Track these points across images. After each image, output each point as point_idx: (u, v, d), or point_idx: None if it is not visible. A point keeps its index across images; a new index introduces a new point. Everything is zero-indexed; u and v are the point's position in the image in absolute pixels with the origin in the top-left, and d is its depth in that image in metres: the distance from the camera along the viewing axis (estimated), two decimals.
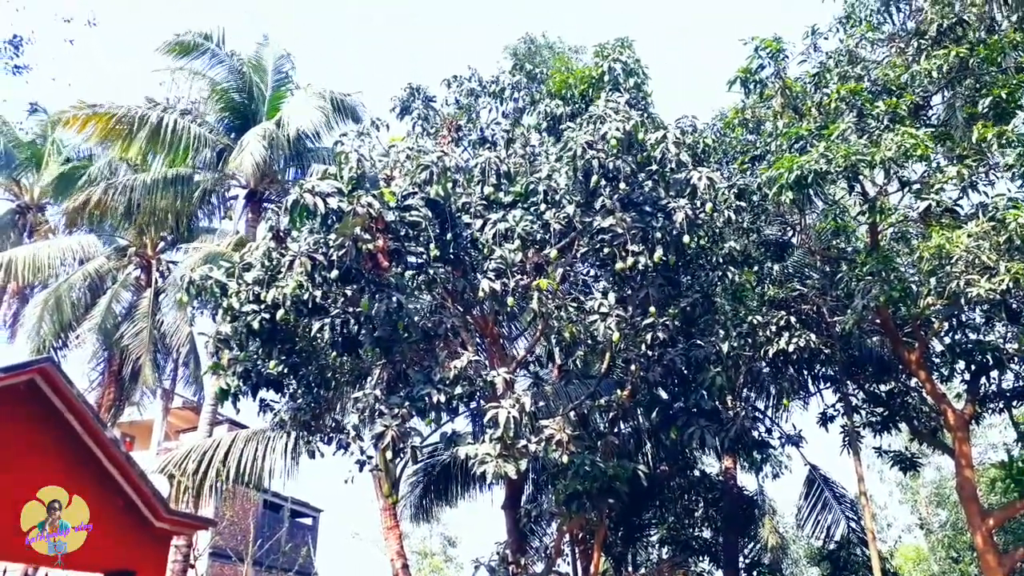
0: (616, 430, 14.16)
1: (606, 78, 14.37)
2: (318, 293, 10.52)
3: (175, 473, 14.84)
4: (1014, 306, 13.55)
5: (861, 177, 13.52)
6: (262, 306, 10.83)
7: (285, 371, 11.93)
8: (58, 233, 22.57)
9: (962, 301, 12.08)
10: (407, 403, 10.14)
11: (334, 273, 10.29)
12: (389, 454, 9.76)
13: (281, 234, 11.52)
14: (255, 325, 10.84)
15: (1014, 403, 15.56)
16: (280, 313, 10.51)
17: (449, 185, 11.09)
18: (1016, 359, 14.69)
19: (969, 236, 11.79)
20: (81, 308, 20.78)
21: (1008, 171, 12.29)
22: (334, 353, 11.60)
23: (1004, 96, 12.44)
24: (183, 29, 19.59)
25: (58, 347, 20.60)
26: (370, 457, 12.71)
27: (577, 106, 14.38)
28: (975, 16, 13.42)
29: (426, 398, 10.10)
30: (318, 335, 11.07)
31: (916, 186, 14.02)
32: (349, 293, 10.94)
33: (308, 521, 31.54)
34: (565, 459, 10.05)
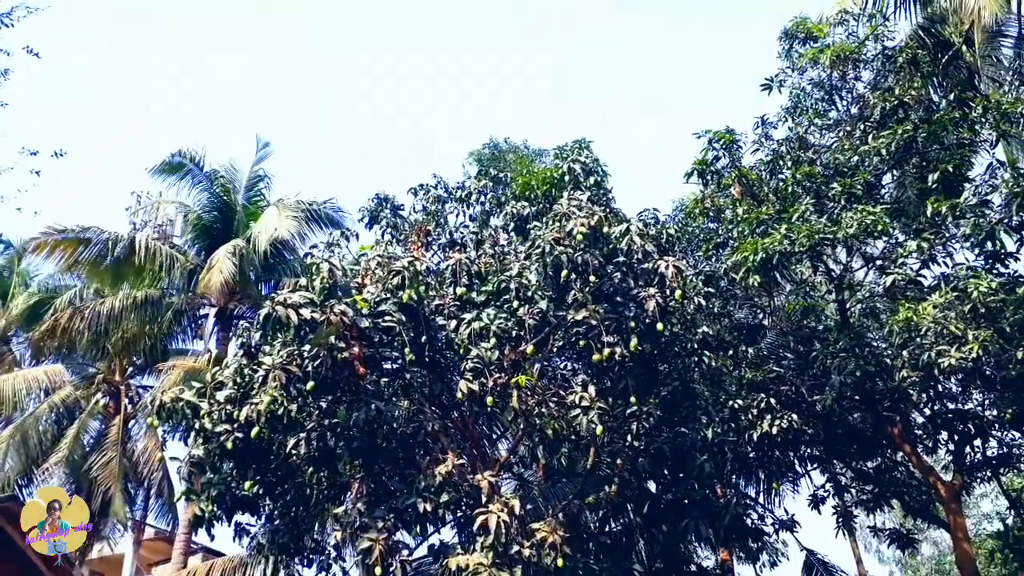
0: (607, 528, 13.77)
1: (567, 178, 14.74)
2: (293, 407, 10.29)
3: None
4: (988, 373, 13.70)
5: (825, 256, 13.86)
6: (235, 425, 10.55)
7: (260, 491, 11.53)
8: (24, 364, 22.08)
9: (936, 371, 12.22)
10: (391, 515, 9.80)
11: (310, 384, 10.12)
12: (378, 570, 9.33)
13: (253, 350, 11.39)
14: (229, 445, 10.52)
15: (1001, 470, 15.49)
16: (255, 430, 10.24)
17: (421, 288, 11.11)
18: (997, 426, 14.72)
19: (935, 307, 12.04)
20: (48, 441, 20.12)
21: (966, 241, 12.66)
22: (311, 469, 11.26)
23: (951, 170, 12.95)
24: (167, 151, 19.97)
25: (23, 484, 19.80)
26: None
27: (542, 205, 14.65)
28: (913, 98, 14.12)
29: (411, 508, 9.78)
30: (293, 451, 10.77)
31: (879, 262, 14.39)
32: (325, 405, 10.74)
33: None
34: (560, 562, 9.68)
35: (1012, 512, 16.39)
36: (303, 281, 11.16)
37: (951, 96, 14.12)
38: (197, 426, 10.86)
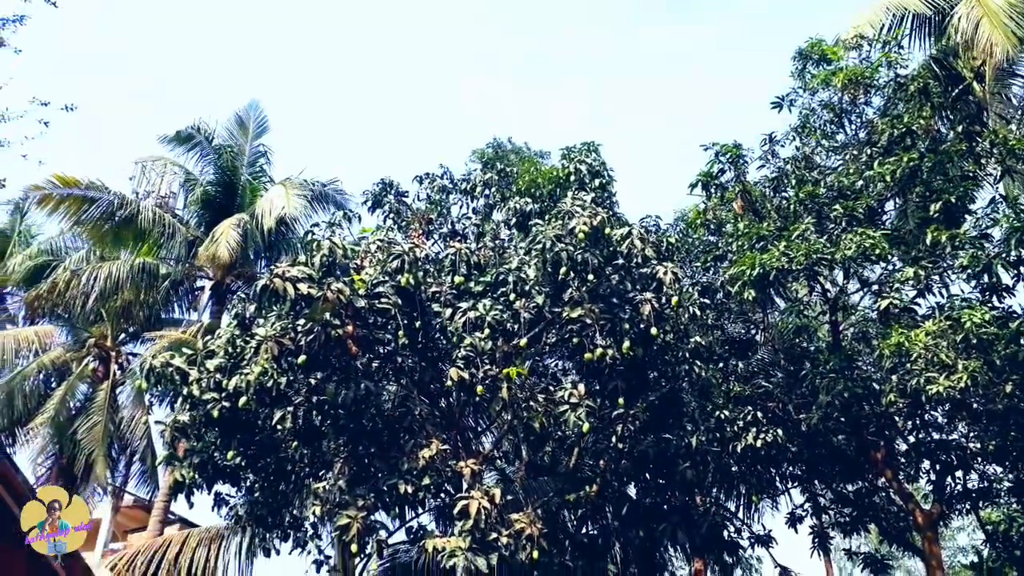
0: (584, 529, 13.83)
1: (572, 178, 14.80)
2: (283, 380, 10.35)
3: (123, 571, 14.07)
4: (974, 405, 13.78)
5: (821, 277, 13.94)
6: (223, 394, 10.62)
7: (243, 463, 11.59)
8: (18, 323, 22.07)
9: (923, 399, 12.28)
10: (372, 494, 9.85)
11: (301, 358, 10.18)
12: (354, 547, 9.38)
13: (247, 321, 11.44)
14: (215, 413, 10.59)
15: (980, 503, 15.54)
16: (242, 400, 10.30)
17: (420, 274, 11.17)
18: (979, 459, 14.79)
19: (927, 335, 12.10)
20: (34, 401, 20.10)
21: (962, 272, 12.73)
22: (295, 443, 11.31)
23: (953, 201, 13.02)
24: (177, 119, 20.13)
25: (8, 443, 19.76)
26: (328, 557, 12.21)
27: (545, 204, 14.74)
28: (922, 127, 14.20)
29: (392, 489, 9.83)
30: (279, 425, 10.82)
31: (875, 286, 14.46)
32: (314, 382, 10.79)
33: None
34: (536, 555, 9.74)
35: (988, 545, 16.45)
36: (303, 257, 11.22)
37: (959, 128, 14.20)
38: (184, 392, 10.91)
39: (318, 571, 12.00)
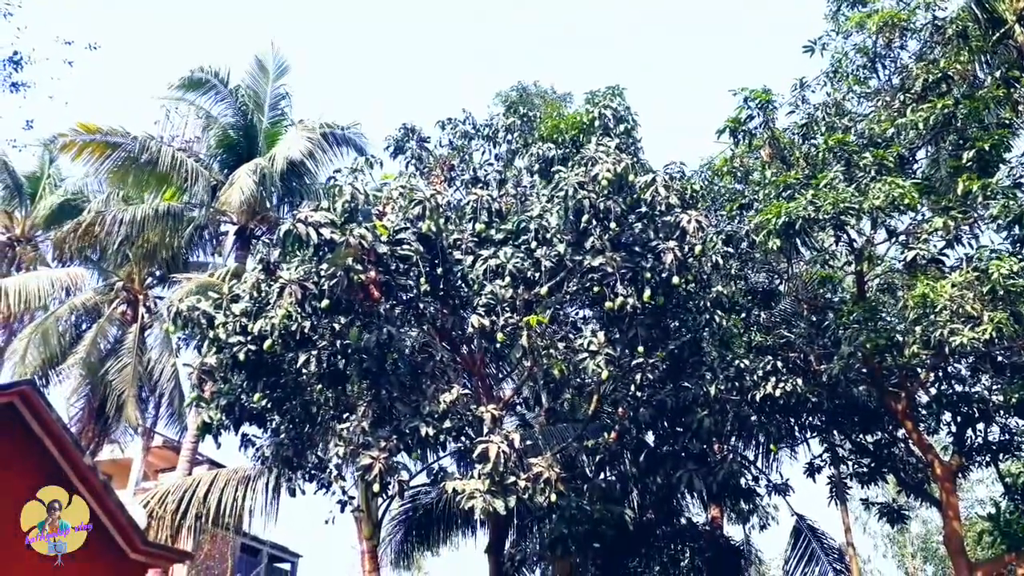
0: (602, 475, 14.03)
1: (596, 124, 14.60)
2: (307, 324, 10.47)
3: (156, 508, 14.54)
4: (998, 358, 13.64)
5: (848, 226, 13.73)
6: (249, 337, 10.78)
7: (269, 405, 11.82)
8: (48, 263, 22.47)
9: (946, 350, 12.16)
10: (394, 436, 10.03)
11: (325, 303, 10.28)
12: (376, 487, 9.61)
13: (271, 266, 11.54)
14: (240, 357, 10.77)
15: (1000, 456, 15.51)
16: (267, 343, 10.45)
17: (441, 221, 11.18)
18: (1002, 411, 14.71)
19: (953, 286, 11.92)
20: (67, 342, 20.56)
21: (992, 222, 12.47)
22: (319, 387, 11.51)
23: (987, 149, 12.68)
24: (193, 66, 19.95)
25: (43, 384, 20.30)
26: (351, 497, 12.51)
27: (568, 151, 14.58)
28: (958, 72, 13.78)
29: (414, 431, 10.00)
30: (304, 368, 10.99)
31: (902, 237, 14.24)
32: (337, 326, 10.91)
33: (286, 567, 30.83)
34: (554, 498, 9.92)
35: (1006, 497, 16.47)
36: (325, 203, 11.25)
37: (997, 74, 13.75)
38: (211, 336, 11.09)
39: (342, 511, 12.32)
